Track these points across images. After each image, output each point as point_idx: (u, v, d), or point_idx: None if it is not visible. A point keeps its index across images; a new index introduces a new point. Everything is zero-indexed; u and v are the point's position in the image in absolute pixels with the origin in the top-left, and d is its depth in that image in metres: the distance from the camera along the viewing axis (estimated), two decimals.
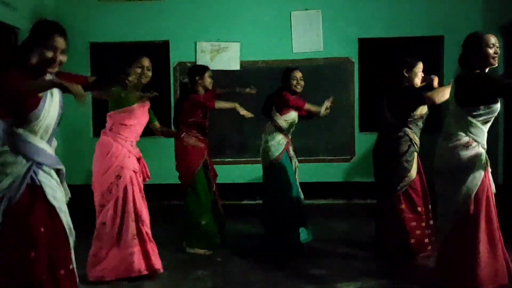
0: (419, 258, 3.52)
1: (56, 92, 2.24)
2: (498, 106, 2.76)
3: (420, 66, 3.62)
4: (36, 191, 2.16)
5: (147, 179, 3.35)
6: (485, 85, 2.72)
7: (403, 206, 3.55)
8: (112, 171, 3.07)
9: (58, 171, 2.30)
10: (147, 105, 3.30)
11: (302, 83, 3.90)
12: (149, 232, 3.23)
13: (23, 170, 2.13)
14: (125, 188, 3.10)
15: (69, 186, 2.41)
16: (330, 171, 5.79)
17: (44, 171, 2.19)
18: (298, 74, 3.88)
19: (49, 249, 2.15)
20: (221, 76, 5.76)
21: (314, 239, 4.06)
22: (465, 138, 2.78)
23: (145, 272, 3.16)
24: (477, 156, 2.76)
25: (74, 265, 2.33)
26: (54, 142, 2.32)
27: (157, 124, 3.51)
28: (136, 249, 3.14)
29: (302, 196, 4.04)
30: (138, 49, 5.86)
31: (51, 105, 2.20)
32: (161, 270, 3.24)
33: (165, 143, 5.80)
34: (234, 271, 3.42)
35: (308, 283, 3.15)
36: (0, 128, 2.15)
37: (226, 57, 5.78)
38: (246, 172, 5.75)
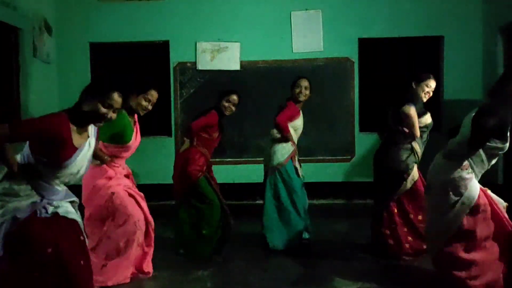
0: (419, 261, 3.52)
1: (91, 146, 2.27)
2: (507, 146, 2.74)
3: (429, 83, 3.60)
4: (44, 218, 2.14)
5: None
6: (473, 128, 2.73)
7: (396, 211, 3.60)
8: (104, 191, 3.05)
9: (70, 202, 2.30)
10: (137, 125, 3.24)
11: (307, 92, 3.83)
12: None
13: (32, 201, 2.13)
14: (122, 202, 3.07)
15: (69, 187, 2.40)
16: (330, 171, 5.79)
17: (52, 205, 2.18)
18: (304, 83, 3.82)
19: (59, 269, 2.12)
20: (221, 76, 5.77)
21: (314, 240, 4.06)
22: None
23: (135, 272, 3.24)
24: (471, 181, 2.77)
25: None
26: None
27: None
28: (136, 256, 3.19)
29: (306, 203, 3.99)
30: (138, 49, 5.87)
31: (85, 156, 2.23)
32: (150, 274, 3.30)
33: (165, 143, 5.81)
34: (234, 271, 3.42)
35: (308, 283, 3.15)
36: (24, 156, 2.15)
37: (226, 57, 5.78)
38: (246, 172, 5.75)
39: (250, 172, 5.70)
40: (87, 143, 2.23)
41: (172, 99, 5.82)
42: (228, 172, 5.69)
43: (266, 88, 5.74)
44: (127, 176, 3.26)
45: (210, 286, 3.15)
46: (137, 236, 3.10)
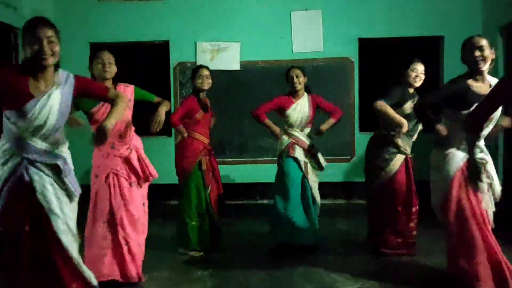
0: (419, 259, 3.52)
1: (56, 96, 2.19)
2: (465, 112, 2.74)
3: (414, 67, 3.66)
4: (25, 187, 2.14)
5: (150, 179, 3.19)
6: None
7: (378, 201, 3.68)
8: (92, 171, 3.04)
9: (56, 168, 2.21)
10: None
11: (300, 79, 3.84)
12: (130, 238, 3.04)
13: (13, 165, 2.14)
14: (99, 188, 3.02)
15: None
16: (330, 171, 5.77)
17: (36, 167, 2.16)
18: (294, 72, 3.84)
19: (35, 252, 2.10)
20: (221, 76, 5.77)
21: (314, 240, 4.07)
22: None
23: (118, 279, 2.99)
24: (449, 157, 2.79)
25: (82, 270, 2.23)
26: (59, 139, 2.25)
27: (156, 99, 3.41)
28: (108, 252, 2.98)
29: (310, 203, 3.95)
30: (138, 49, 5.87)
31: (45, 107, 2.15)
32: (136, 280, 3.05)
33: (165, 142, 5.81)
34: (234, 271, 3.42)
35: (308, 283, 3.15)
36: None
37: (226, 57, 5.78)
38: (246, 172, 5.75)
39: (250, 172, 5.71)
40: (48, 93, 2.17)
41: (172, 99, 5.83)
42: (228, 172, 5.69)
43: (266, 88, 5.73)
44: (127, 159, 3.09)
45: (210, 286, 3.14)
46: (101, 229, 2.98)
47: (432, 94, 2.86)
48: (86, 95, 2.46)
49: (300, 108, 3.91)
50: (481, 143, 2.77)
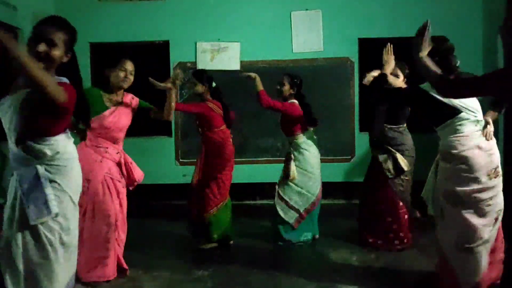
0: (420, 260, 3.52)
1: (19, 97, 1.98)
2: None
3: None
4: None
5: (135, 183, 3.24)
6: None
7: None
8: (83, 175, 3.02)
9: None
10: (125, 106, 3.18)
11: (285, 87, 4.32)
12: (121, 240, 3.20)
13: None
14: (96, 192, 3.01)
15: None
16: (330, 171, 5.77)
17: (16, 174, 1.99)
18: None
19: None
20: (221, 76, 5.77)
21: (315, 239, 4.07)
22: None
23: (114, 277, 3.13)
24: None
25: None
26: (34, 147, 1.96)
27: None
28: (111, 254, 3.10)
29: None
30: (138, 49, 5.86)
31: (10, 107, 1.96)
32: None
33: (165, 143, 5.81)
34: (235, 271, 3.43)
35: (308, 283, 3.15)
36: None
37: (226, 57, 5.78)
38: (246, 172, 5.75)
39: (250, 172, 5.71)
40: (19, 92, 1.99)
41: None
42: None
43: (266, 88, 5.71)
44: (118, 164, 3.14)
45: (210, 286, 3.15)
46: (103, 232, 3.05)
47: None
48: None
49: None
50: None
